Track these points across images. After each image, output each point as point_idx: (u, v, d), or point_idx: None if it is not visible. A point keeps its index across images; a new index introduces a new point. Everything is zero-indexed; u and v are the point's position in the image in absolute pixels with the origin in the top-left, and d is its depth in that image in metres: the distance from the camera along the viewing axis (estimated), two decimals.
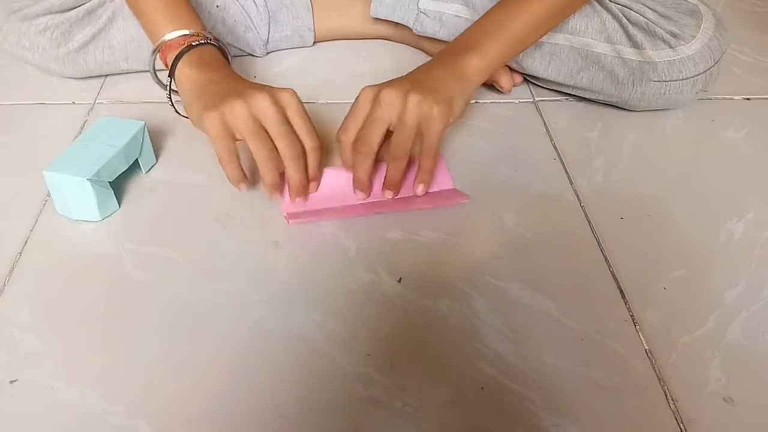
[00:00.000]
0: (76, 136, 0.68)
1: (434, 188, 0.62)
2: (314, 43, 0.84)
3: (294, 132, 0.56)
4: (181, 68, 0.58)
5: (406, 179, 0.61)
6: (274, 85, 0.57)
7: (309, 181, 0.59)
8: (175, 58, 0.58)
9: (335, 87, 0.77)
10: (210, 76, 0.57)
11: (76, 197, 0.56)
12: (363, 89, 0.58)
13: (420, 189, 0.60)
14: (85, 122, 0.71)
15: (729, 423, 0.46)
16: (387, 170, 0.59)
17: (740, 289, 0.55)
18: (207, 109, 0.54)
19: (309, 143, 0.56)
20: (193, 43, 0.59)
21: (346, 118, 0.58)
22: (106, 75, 0.77)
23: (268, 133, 0.54)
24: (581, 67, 0.72)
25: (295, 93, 0.56)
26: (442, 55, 0.62)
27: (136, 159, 0.61)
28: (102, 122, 0.61)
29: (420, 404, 0.46)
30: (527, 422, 0.45)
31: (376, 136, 0.56)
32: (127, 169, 0.60)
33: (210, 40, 0.60)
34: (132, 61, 0.75)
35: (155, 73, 0.63)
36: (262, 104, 0.53)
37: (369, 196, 0.60)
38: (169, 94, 0.61)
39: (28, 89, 0.75)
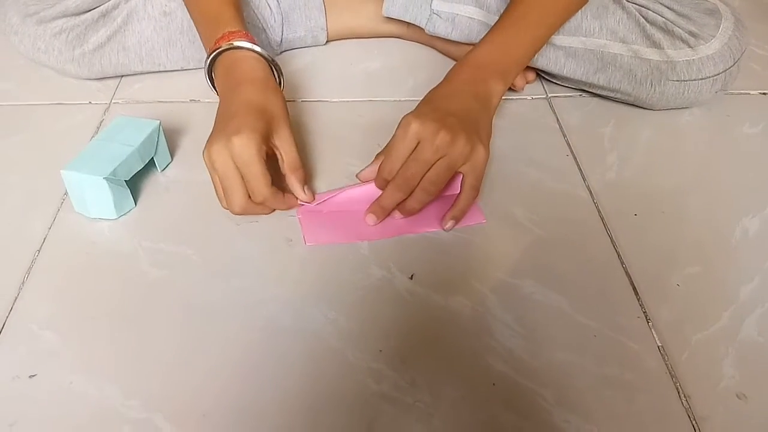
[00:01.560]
0: (92, 136, 0.69)
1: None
2: (327, 41, 0.84)
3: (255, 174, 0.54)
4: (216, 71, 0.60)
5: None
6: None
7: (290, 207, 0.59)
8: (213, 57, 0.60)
9: (347, 85, 0.78)
10: (225, 95, 0.58)
11: (93, 196, 0.57)
12: (409, 122, 0.55)
13: (450, 225, 0.58)
14: (101, 122, 0.72)
15: (742, 420, 0.45)
16: (409, 198, 0.57)
17: (755, 286, 0.55)
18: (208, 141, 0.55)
19: (257, 199, 0.55)
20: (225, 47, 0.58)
21: (389, 155, 0.56)
22: (122, 75, 0.78)
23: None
24: (598, 68, 0.72)
25: (248, 141, 0.52)
26: (466, 77, 0.60)
27: (152, 158, 0.62)
28: (118, 122, 0.61)
29: (431, 400, 0.46)
30: (539, 418, 0.45)
31: (420, 176, 0.55)
32: (143, 168, 0.60)
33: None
34: (146, 63, 0.76)
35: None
36: (217, 161, 0.53)
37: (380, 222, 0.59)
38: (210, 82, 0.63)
39: (45, 89, 0.76)
